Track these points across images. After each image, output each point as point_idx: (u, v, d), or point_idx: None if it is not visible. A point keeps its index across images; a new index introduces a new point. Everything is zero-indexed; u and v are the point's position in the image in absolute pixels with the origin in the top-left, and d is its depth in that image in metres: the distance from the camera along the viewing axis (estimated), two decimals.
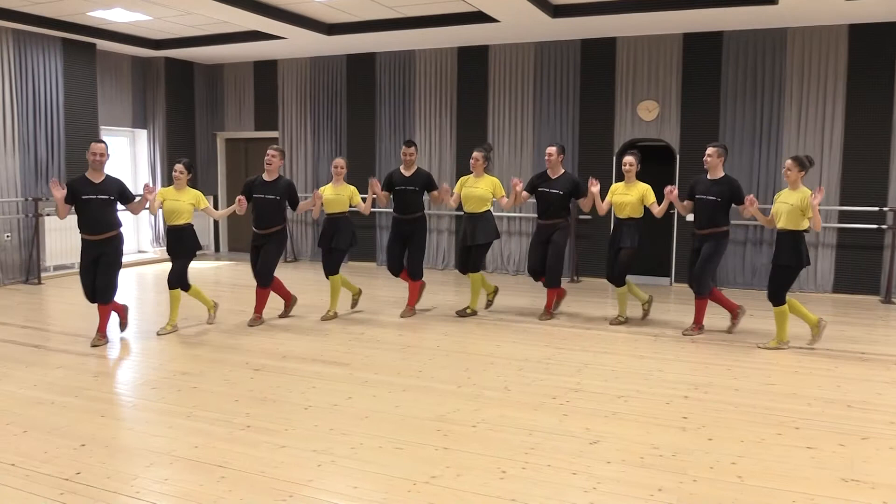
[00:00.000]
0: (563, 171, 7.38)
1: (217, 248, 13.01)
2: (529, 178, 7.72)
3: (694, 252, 6.79)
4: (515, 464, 3.88)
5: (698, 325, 6.90)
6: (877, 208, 8.72)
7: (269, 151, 7.18)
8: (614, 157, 9.89)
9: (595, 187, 7.12)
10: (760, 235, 9.42)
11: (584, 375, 5.56)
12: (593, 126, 10.08)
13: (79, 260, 6.38)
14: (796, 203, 6.03)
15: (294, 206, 7.42)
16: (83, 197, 6.19)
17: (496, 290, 8.02)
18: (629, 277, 7.28)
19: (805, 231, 6.12)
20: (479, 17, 8.95)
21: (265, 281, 7.21)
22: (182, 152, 12.02)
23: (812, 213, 5.97)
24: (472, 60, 10.69)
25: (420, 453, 4.03)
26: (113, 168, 11.47)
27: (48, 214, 9.79)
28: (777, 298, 6.21)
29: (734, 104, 9.40)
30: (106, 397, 5.12)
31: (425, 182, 7.57)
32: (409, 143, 7.60)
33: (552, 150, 7.31)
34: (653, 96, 9.76)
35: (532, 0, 8.02)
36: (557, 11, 8.75)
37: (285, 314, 7.64)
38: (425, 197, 7.70)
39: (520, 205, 7.78)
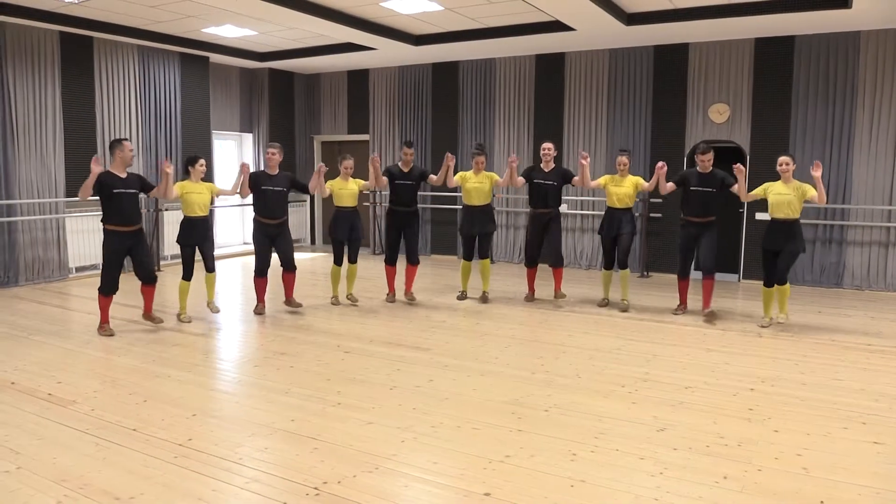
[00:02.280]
0: (553, 165, 7.60)
1: (313, 241, 13.34)
2: (524, 169, 7.93)
3: (693, 239, 7.02)
4: (585, 447, 3.84)
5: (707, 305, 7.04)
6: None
7: (269, 150, 7.16)
8: (685, 159, 9.62)
9: (586, 160, 7.34)
10: (830, 234, 8.99)
11: (652, 366, 5.44)
12: (665, 129, 9.82)
13: (106, 257, 6.18)
14: (798, 193, 6.39)
15: (305, 190, 7.46)
16: (115, 191, 6.08)
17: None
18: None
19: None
20: (556, 27, 8.85)
21: (294, 266, 7.25)
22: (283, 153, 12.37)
23: (818, 187, 6.27)
24: (549, 67, 10.58)
25: (495, 434, 4.03)
26: (223, 169, 12.02)
27: (166, 209, 10.23)
28: (786, 278, 6.56)
29: (805, 107, 8.97)
30: (215, 373, 5.34)
31: (421, 176, 7.77)
32: (409, 144, 7.74)
33: (549, 145, 7.61)
34: (724, 99, 9.43)
35: (607, 9, 7.87)
36: (631, 19, 8.56)
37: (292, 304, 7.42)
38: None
39: (516, 186, 7.85)
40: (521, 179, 7.71)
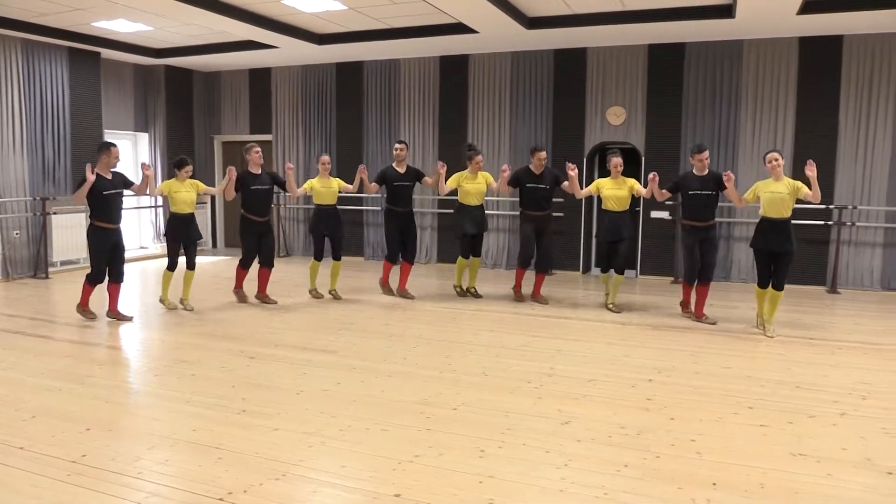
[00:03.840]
0: (543, 168, 7.62)
1: (214, 244, 12.92)
2: (514, 173, 7.79)
3: (700, 243, 6.78)
4: (493, 443, 3.89)
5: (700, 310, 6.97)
6: (824, 206, 8.81)
7: (254, 149, 7.56)
8: (584, 159, 9.93)
9: (573, 171, 7.29)
10: (719, 231, 9.49)
11: (556, 361, 5.58)
12: (565, 130, 10.10)
13: (95, 250, 6.67)
14: (791, 191, 6.15)
15: (283, 186, 7.79)
16: (104, 193, 6.53)
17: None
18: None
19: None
20: (459, 29, 8.94)
21: (273, 263, 7.77)
22: (181, 154, 11.94)
23: (813, 186, 6.09)
24: (453, 68, 10.67)
25: (404, 434, 4.03)
26: (115, 169, 11.44)
27: (55, 213, 9.68)
28: (783, 284, 6.32)
29: (695, 110, 9.45)
30: (110, 384, 5.07)
31: (416, 176, 7.96)
32: (401, 141, 8.03)
33: (543, 154, 7.59)
34: (620, 102, 9.80)
35: (508, 12, 8.02)
36: (532, 23, 8.75)
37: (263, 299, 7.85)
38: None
39: (505, 193, 8.15)
40: (509, 188, 7.78)
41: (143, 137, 11.93)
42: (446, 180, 7.87)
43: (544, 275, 7.98)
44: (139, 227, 12.13)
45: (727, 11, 7.94)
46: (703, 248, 6.78)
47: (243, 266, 7.73)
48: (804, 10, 7.58)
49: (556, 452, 3.77)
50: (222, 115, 12.58)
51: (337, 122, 11.54)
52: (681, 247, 7.03)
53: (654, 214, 9.64)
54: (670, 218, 9.52)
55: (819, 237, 8.92)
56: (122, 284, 6.90)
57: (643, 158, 9.65)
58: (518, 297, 7.96)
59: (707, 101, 9.38)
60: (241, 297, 7.82)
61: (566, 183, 7.49)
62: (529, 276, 8.01)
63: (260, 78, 12.12)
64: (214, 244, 12.89)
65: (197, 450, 3.79)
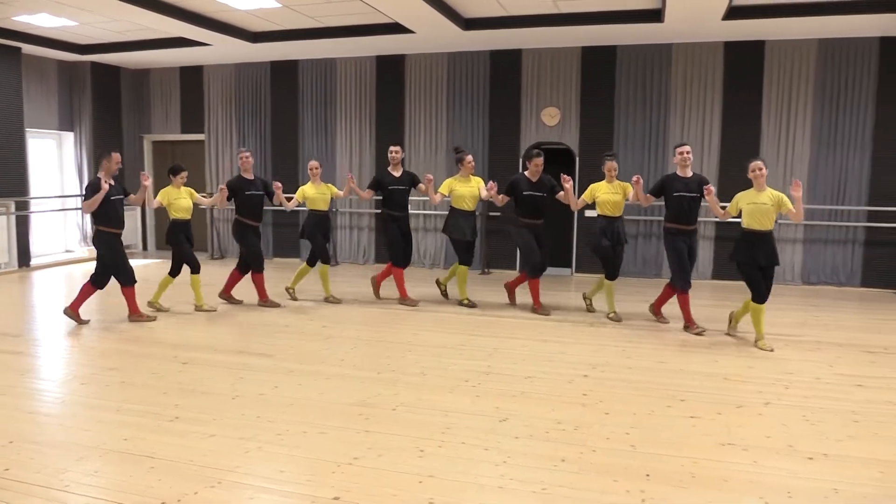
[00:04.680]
0: (539, 175, 7.25)
1: (145, 247, 12.53)
2: (509, 183, 7.35)
3: (687, 248, 6.51)
4: (432, 443, 3.89)
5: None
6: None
7: (243, 154, 7.53)
8: (520, 160, 10.04)
9: (567, 184, 6.98)
10: (650, 229, 9.75)
11: (494, 359, 5.63)
12: (501, 131, 10.20)
13: (112, 255, 6.64)
14: (775, 203, 5.83)
15: (271, 198, 7.69)
16: (111, 198, 6.55)
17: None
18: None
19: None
20: (395, 29, 8.93)
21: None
22: (103, 151, 11.53)
23: (797, 206, 5.78)
24: (390, 68, 10.64)
25: (343, 437, 3.99)
26: (39, 170, 11.02)
27: None
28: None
29: (626, 112, 9.68)
30: (34, 394, 4.85)
31: (412, 179, 7.77)
32: (396, 144, 7.88)
33: (540, 160, 7.19)
34: (555, 103, 9.95)
35: (445, 13, 8.05)
36: (468, 24, 8.81)
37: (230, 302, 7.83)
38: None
39: (499, 204, 7.62)
40: (502, 198, 7.40)
41: (69, 137, 11.49)
42: (437, 189, 7.69)
43: (536, 281, 7.40)
44: (65, 230, 11.67)
45: (656, 16, 8.16)
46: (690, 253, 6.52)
47: (258, 270, 7.57)
48: (729, 15, 7.86)
49: (494, 450, 3.80)
50: (152, 113, 12.21)
51: (272, 122, 11.35)
52: (667, 250, 6.61)
53: (589, 213, 9.81)
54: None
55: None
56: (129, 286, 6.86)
57: (577, 159, 9.82)
58: (540, 310, 7.35)
59: (638, 102, 9.62)
60: (271, 304, 7.64)
61: (561, 193, 7.14)
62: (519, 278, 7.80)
63: (191, 76, 11.81)
64: (145, 247, 12.49)
65: (128, 459, 3.66)
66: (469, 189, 7.51)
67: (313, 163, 7.79)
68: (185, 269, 7.34)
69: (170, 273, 7.35)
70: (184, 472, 3.50)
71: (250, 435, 4.00)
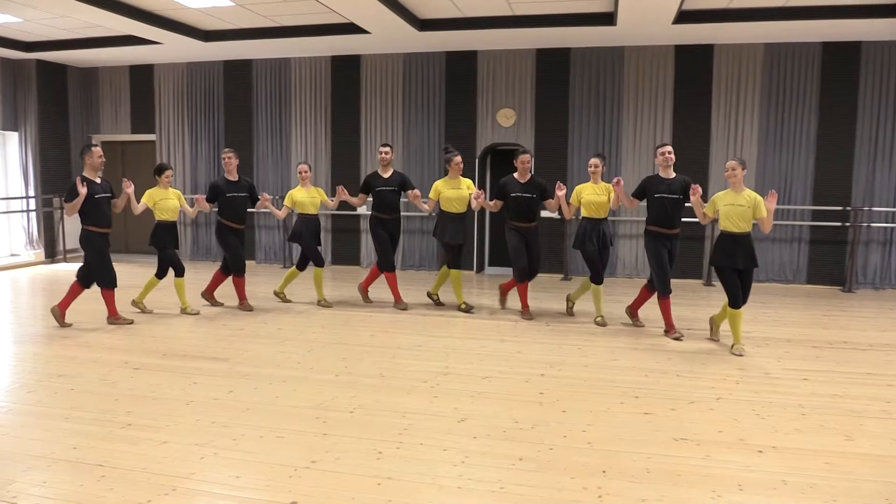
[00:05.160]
0: (530, 175, 7.13)
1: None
2: (498, 185, 7.20)
3: (668, 251, 6.35)
4: (390, 444, 3.88)
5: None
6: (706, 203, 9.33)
7: (226, 154, 7.42)
8: (476, 161, 10.08)
9: (561, 191, 6.83)
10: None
11: (451, 360, 5.64)
12: (457, 131, 10.22)
13: (99, 255, 6.54)
14: (750, 204, 5.75)
15: (254, 203, 7.59)
16: (96, 196, 6.46)
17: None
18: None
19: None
20: (351, 29, 8.88)
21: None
22: (56, 154, 11.27)
23: (767, 215, 5.74)
24: (346, 69, 10.58)
25: (300, 440, 3.95)
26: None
27: None
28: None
29: (580, 113, 9.80)
30: None
31: (402, 181, 7.58)
32: (385, 144, 7.67)
33: (526, 157, 7.09)
34: (510, 105, 10.02)
35: (400, 14, 8.03)
36: (424, 25, 8.81)
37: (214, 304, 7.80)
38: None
39: (493, 210, 7.42)
40: (495, 203, 7.22)
41: (13, 136, 11.12)
42: (427, 194, 7.60)
43: (525, 286, 7.26)
44: (9, 232, 11.30)
45: (609, 19, 8.29)
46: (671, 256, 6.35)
47: (238, 273, 7.45)
48: (679, 19, 8.03)
49: (453, 450, 3.81)
50: (101, 113, 11.90)
51: (225, 122, 11.18)
52: (648, 254, 6.46)
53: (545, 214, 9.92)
54: (559, 217, 9.81)
55: (697, 234, 9.45)
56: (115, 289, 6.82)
57: (532, 160, 9.89)
58: (526, 314, 7.23)
59: (592, 104, 9.75)
60: (247, 307, 7.52)
61: (551, 201, 7.00)
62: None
63: (142, 75, 11.55)
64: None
65: (78, 469, 3.56)
66: (457, 192, 7.28)
67: (303, 166, 7.65)
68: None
69: (156, 275, 7.29)
70: (136, 481, 3.42)
71: (205, 441, 3.92)
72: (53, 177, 11.31)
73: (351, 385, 4.97)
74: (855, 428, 4.18)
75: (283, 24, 9.05)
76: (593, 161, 6.84)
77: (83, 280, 6.61)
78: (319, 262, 7.74)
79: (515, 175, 7.12)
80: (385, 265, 7.58)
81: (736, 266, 5.75)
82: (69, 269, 6.94)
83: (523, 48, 9.83)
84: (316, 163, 10.71)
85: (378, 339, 6.36)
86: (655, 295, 6.51)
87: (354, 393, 4.79)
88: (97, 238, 6.53)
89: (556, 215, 7.97)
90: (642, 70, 9.56)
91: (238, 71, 11.03)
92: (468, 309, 7.47)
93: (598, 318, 7.00)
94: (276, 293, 8.03)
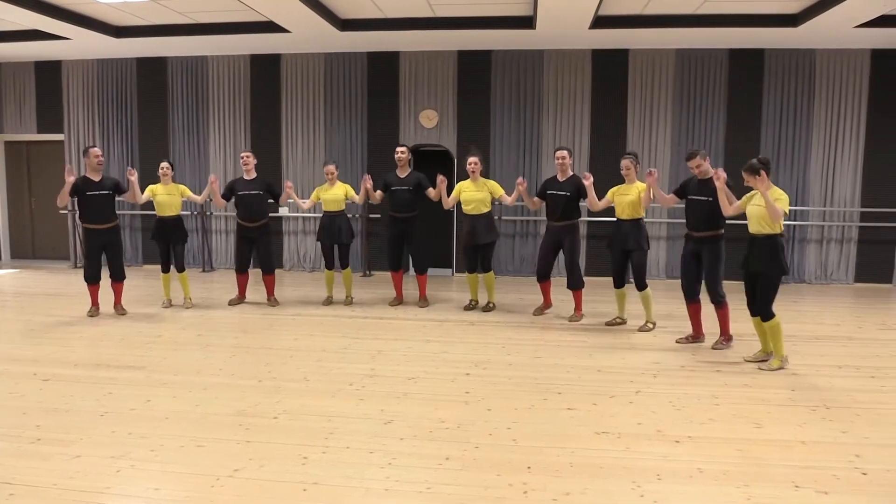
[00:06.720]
0: (571, 173, 7.01)
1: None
2: (542, 184, 7.25)
3: (693, 256, 6.08)
4: (316, 449, 3.83)
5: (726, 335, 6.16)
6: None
7: (243, 155, 7.68)
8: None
9: (588, 180, 6.72)
10: (527, 229, 10.05)
11: (377, 362, 5.61)
12: (380, 132, 10.17)
13: (83, 248, 7.07)
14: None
15: (276, 198, 7.93)
16: (88, 193, 6.89)
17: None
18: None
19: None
20: (270, 27, 8.70)
21: (271, 268, 7.85)
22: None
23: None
24: (265, 68, 10.36)
25: (222, 448, 3.85)
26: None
27: None
28: (770, 312, 5.39)
29: (502, 115, 9.93)
30: None
31: (417, 182, 7.60)
32: (402, 145, 7.82)
33: (563, 153, 6.96)
34: (433, 106, 10.04)
35: (320, 13, 7.93)
36: (345, 25, 8.73)
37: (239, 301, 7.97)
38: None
39: (533, 208, 7.53)
40: (536, 200, 7.26)
41: None
42: (449, 193, 7.52)
43: (579, 292, 7.18)
44: None
45: (528, 22, 8.43)
46: (701, 262, 6.03)
47: (238, 272, 7.89)
48: (595, 24, 8.24)
49: (379, 452, 3.79)
50: (4, 111, 11.22)
51: (139, 121, 10.76)
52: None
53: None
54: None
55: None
56: (124, 281, 7.32)
57: (455, 161, 9.97)
58: (540, 311, 7.42)
59: (513, 106, 9.89)
60: (234, 303, 7.91)
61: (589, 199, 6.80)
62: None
63: (48, 71, 10.97)
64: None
65: None
66: (468, 194, 7.32)
67: (329, 167, 7.75)
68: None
69: (162, 270, 7.67)
70: (47, 498, 3.26)
71: (121, 453, 3.77)
72: None
73: (275, 390, 4.88)
74: (763, 416, 4.39)
75: (200, 21, 8.79)
76: (624, 163, 6.53)
77: (116, 275, 7.16)
78: (329, 264, 7.97)
79: (557, 174, 7.07)
80: (390, 265, 7.87)
81: (748, 268, 5.47)
82: None
83: (445, 50, 9.88)
84: (235, 164, 10.46)
85: (302, 342, 6.26)
86: (695, 305, 6.21)
87: (278, 398, 4.70)
88: (86, 232, 7.07)
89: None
90: (561, 73, 9.76)
91: (152, 69, 10.63)
92: (471, 307, 7.68)
93: (617, 319, 6.95)
94: (346, 304, 7.96)
